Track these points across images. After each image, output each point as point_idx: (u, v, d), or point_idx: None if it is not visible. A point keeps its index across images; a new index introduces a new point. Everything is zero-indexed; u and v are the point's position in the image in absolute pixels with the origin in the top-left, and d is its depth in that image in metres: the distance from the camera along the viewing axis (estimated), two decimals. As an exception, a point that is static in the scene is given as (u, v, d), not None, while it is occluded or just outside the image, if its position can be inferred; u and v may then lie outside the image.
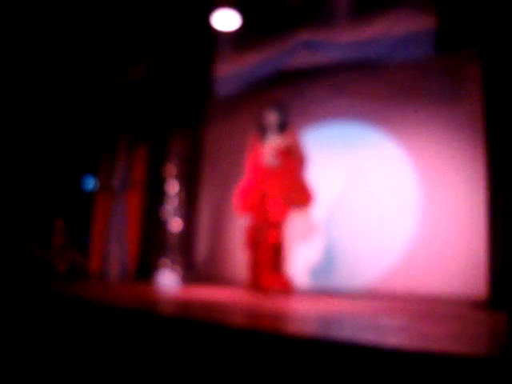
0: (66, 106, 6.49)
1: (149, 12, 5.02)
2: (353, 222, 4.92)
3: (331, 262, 4.99)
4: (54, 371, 2.40)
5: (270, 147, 4.46)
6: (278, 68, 4.91)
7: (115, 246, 5.91)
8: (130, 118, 6.10)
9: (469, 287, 4.07)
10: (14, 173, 6.30)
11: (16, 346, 2.70)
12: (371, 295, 4.40)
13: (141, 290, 4.34)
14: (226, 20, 4.76)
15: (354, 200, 4.97)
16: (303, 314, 2.85)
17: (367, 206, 4.85)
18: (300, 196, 4.40)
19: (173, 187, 5.63)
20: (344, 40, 4.44)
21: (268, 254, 4.27)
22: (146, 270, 5.62)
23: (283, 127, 4.51)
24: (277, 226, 4.30)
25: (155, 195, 5.83)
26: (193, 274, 5.68)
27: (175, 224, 5.56)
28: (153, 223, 5.82)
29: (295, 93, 5.40)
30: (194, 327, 2.09)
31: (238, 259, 5.09)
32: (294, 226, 4.86)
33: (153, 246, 5.76)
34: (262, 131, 4.56)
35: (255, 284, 4.32)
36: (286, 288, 4.25)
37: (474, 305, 3.64)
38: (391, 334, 2.07)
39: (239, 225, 5.00)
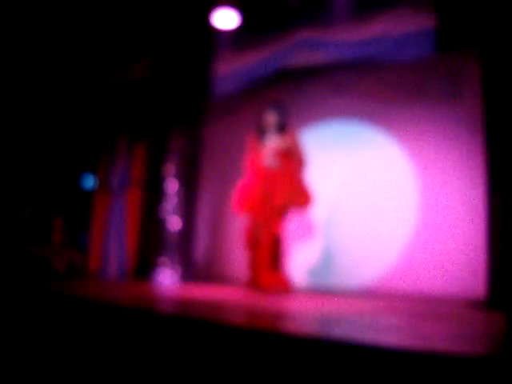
0: (65, 104, 6.49)
1: (148, 11, 5.02)
2: (352, 222, 4.92)
3: (330, 262, 4.99)
4: (53, 370, 2.40)
5: (269, 148, 4.47)
6: (277, 67, 4.90)
7: (114, 245, 5.91)
8: (129, 116, 6.10)
9: (467, 287, 4.08)
10: (13, 171, 6.30)
11: (15, 345, 2.70)
12: (370, 295, 4.40)
13: (140, 288, 4.34)
14: (225, 19, 4.77)
15: (353, 199, 4.97)
16: (302, 313, 2.85)
17: (366, 206, 4.85)
18: (299, 197, 4.40)
19: (172, 186, 5.63)
20: (344, 39, 4.44)
21: (267, 250, 4.27)
22: (145, 269, 5.63)
23: (282, 128, 4.51)
24: (279, 213, 4.30)
25: (154, 194, 5.83)
26: (192, 272, 5.68)
27: (174, 223, 5.56)
28: (152, 222, 5.82)
29: (295, 92, 5.40)
30: (193, 326, 2.10)
31: (237, 258, 5.09)
32: (294, 225, 4.87)
33: (152, 244, 5.76)
34: (261, 132, 4.56)
35: (254, 283, 4.33)
36: (285, 287, 4.26)
37: (473, 305, 3.64)
38: (390, 333, 2.08)
39: (238, 224, 5.00)
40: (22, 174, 6.42)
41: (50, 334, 2.67)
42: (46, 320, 2.81)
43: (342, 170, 5.09)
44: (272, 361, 1.76)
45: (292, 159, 4.45)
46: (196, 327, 2.08)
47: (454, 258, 4.29)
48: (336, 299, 3.88)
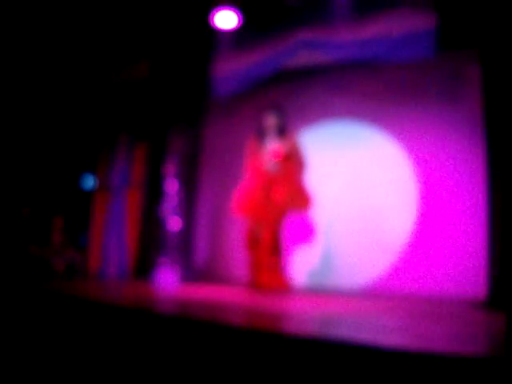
0: (65, 104, 6.49)
1: (148, 11, 5.02)
2: (352, 222, 4.92)
3: (330, 262, 4.99)
4: (53, 370, 2.40)
5: (269, 151, 4.47)
6: (277, 67, 4.90)
7: (114, 245, 5.91)
8: (129, 117, 6.10)
9: (467, 287, 4.08)
10: (13, 171, 6.30)
11: (15, 344, 2.70)
12: (370, 295, 4.40)
13: (140, 288, 4.34)
14: (225, 19, 4.77)
15: (352, 199, 4.97)
16: (302, 314, 2.85)
17: (366, 206, 4.85)
18: (299, 200, 4.40)
19: (172, 186, 5.63)
20: (344, 40, 4.44)
21: (268, 250, 4.27)
22: (144, 269, 5.62)
23: (282, 130, 4.51)
24: (280, 215, 4.31)
25: (154, 194, 5.82)
26: (192, 272, 5.68)
27: (174, 223, 5.56)
28: (152, 222, 5.82)
29: (295, 92, 5.40)
30: (193, 326, 2.10)
31: (237, 258, 5.09)
32: (294, 226, 4.87)
33: (152, 244, 5.75)
34: (261, 135, 4.56)
35: (254, 283, 4.33)
36: (285, 287, 4.26)
37: (473, 305, 3.64)
38: (389, 333, 2.08)
39: (238, 224, 5.00)
40: (22, 173, 6.41)
41: (50, 333, 2.67)
42: (45, 320, 2.81)
43: (341, 170, 5.08)
44: (272, 361, 1.76)
45: (292, 162, 4.45)
46: (196, 327, 2.08)
47: (454, 258, 4.29)
48: (336, 299, 3.88)
